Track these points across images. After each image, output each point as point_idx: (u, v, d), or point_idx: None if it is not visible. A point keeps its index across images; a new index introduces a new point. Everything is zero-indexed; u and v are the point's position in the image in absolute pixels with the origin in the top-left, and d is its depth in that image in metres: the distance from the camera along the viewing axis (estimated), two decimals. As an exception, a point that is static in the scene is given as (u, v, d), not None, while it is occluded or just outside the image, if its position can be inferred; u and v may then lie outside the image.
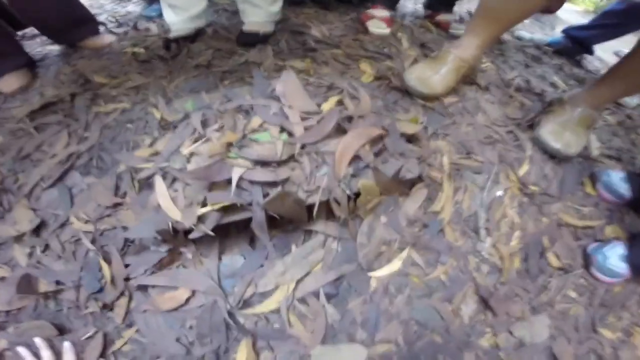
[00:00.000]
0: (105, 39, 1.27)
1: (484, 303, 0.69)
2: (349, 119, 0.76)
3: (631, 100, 1.33)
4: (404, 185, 0.75)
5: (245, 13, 1.18)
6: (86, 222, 0.72)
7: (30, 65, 1.18)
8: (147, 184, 0.72)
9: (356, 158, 0.69)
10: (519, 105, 1.11)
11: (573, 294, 0.76)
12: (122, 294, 0.64)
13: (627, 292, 0.78)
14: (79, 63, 1.15)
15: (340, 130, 0.72)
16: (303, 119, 0.72)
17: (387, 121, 0.78)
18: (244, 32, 1.18)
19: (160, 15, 1.43)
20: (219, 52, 1.15)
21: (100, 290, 0.64)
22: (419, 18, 1.54)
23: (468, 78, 1.11)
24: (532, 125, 1.02)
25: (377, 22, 1.32)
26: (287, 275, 0.66)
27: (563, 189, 0.91)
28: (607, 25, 1.49)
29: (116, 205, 0.73)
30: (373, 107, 0.87)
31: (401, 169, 0.70)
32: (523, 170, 0.91)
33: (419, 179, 0.78)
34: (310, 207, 0.65)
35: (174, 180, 0.65)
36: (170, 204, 0.60)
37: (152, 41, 1.24)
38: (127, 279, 0.66)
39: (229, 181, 0.61)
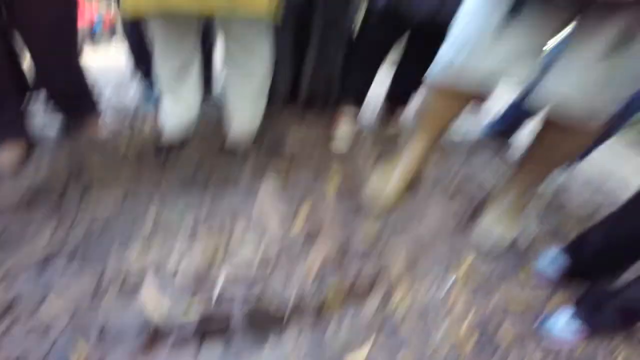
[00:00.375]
0: (103, 129, 1.39)
1: None
2: (317, 229, 0.90)
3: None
4: (362, 289, 0.85)
5: (231, 122, 1.32)
6: (63, 310, 0.73)
7: (26, 141, 1.22)
8: (131, 288, 0.76)
9: (323, 265, 0.82)
10: (461, 200, 1.29)
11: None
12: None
13: (593, 346, 0.87)
14: (73, 154, 1.23)
15: (309, 238, 0.86)
16: (280, 226, 0.86)
17: (348, 229, 0.94)
18: (228, 141, 1.35)
19: (156, 100, 1.59)
20: (204, 162, 1.27)
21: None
22: (379, 116, 1.83)
23: (417, 182, 1.30)
24: (473, 217, 1.18)
25: (344, 129, 1.58)
26: None
27: (507, 271, 1.03)
28: (515, 116, 1.81)
29: (94, 297, 0.75)
30: (337, 215, 1.02)
31: (358, 273, 0.84)
32: (467, 262, 1.03)
33: (376, 279, 0.89)
34: (283, 317, 0.74)
35: (163, 286, 0.72)
36: (156, 306, 0.66)
37: (146, 140, 1.37)
38: None
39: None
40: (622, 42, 0.78)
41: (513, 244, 1.14)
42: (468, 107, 1.09)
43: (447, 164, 1.58)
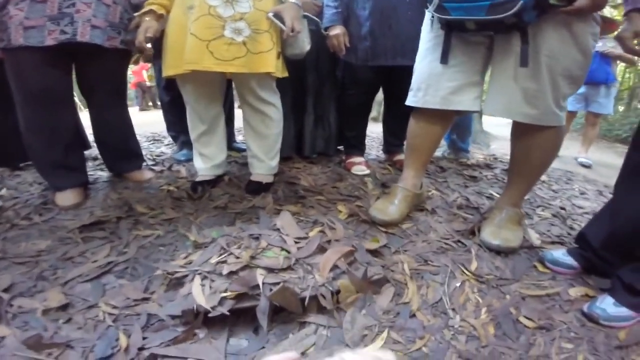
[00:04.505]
0: (147, 174, 1.60)
1: None
2: (328, 242, 1.00)
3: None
4: (374, 285, 0.91)
5: (253, 166, 1.51)
6: (113, 307, 0.81)
7: (86, 185, 1.43)
8: (176, 284, 0.86)
9: (335, 267, 0.89)
10: (462, 220, 1.34)
11: (569, 345, 0.79)
12: None
13: (636, 330, 0.83)
14: (124, 192, 1.42)
15: (322, 249, 0.96)
16: (296, 242, 0.97)
17: (355, 242, 1.03)
18: (251, 182, 1.48)
19: (187, 160, 1.84)
20: (233, 197, 1.42)
21: (110, 356, 0.68)
22: (380, 162, 2.01)
23: (418, 204, 1.38)
24: (474, 233, 1.21)
25: (359, 167, 1.77)
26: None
27: (517, 272, 1.03)
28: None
29: (144, 299, 0.84)
30: (346, 234, 1.10)
31: (367, 270, 0.90)
32: (474, 266, 1.05)
33: (386, 280, 0.94)
34: (303, 301, 0.80)
35: (205, 278, 0.81)
36: (199, 291, 0.76)
37: (182, 183, 1.57)
38: (140, 349, 0.70)
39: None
40: (524, 63, 0.96)
41: (518, 250, 1.13)
42: (444, 131, 1.27)
43: (448, 190, 1.65)
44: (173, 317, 0.78)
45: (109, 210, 1.26)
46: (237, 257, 0.87)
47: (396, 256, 1.08)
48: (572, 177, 2.33)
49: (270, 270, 0.85)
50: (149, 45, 1.33)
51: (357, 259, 0.95)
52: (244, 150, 2.00)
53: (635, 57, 3.11)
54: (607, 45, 2.80)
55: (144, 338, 0.74)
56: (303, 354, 0.75)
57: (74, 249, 1.04)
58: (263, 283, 0.81)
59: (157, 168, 1.75)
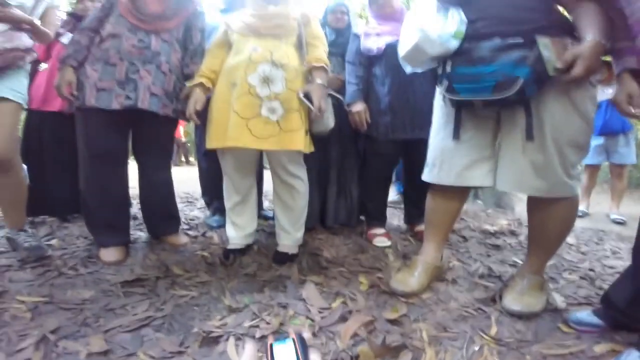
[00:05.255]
0: (183, 239, 1.68)
1: None
2: (350, 312, 1.05)
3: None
4: (392, 351, 0.92)
5: (280, 237, 1.58)
6: (151, 357, 0.85)
7: (128, 244, 1.52)
8: (211, 342, 0.91)
9: (355, 335, 0.94)
10: (483, 288, 1.32)
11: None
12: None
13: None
14: (162, 253, 1.54)
15: (344, 319, 1.01)
16: (320, 312, 1.04)
17: (375, 312, 1.06)
18: (278, 252, 1.56)
19: (219, 226, 1.94)
20: (261, 265, 1.49)
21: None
22: (402, 233, 2.03)
23: (438, 276, 1.37)
24: (495, 300, 1.19)
25: (380, 239, 1.80)
26: None
27: (539, 335, 0.99)
28: None
29: (180, 352, 0.88)
30: (367, 305, 1.14)
31: (385, 338, 0.92)
32: (493, 331, 1.03)
33: (404, 346, 0.94)
34: None
35: (239, 339, 0.88)
36: (233, 350, 0.81)
37: (215, 249, 1.67)
38: None
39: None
40: (530, 137, 1.00)
41: (541, 313, 1.11)
42: (461, 205, 1.31)
43: (470, 260, 1.63)
44: None
45: (148, 270, 1.37)
46: (268, 323, 0.95)
47: (415, 324, 1.08)
48: (604, 237, 2.23)
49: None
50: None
51: (376, 328, 0.98)
52: (271, 218, 2.09)
53: None
54: None
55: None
56: None
57: (116, 301, 1.13)
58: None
59: (191, 233, 1.88)
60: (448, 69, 1.06)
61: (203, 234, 1.88)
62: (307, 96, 1.37)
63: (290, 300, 1.11)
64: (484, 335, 1.02)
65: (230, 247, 1.60)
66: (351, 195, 2.01)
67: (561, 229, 1.14)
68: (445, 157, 1.19)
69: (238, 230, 1.60)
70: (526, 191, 1.08)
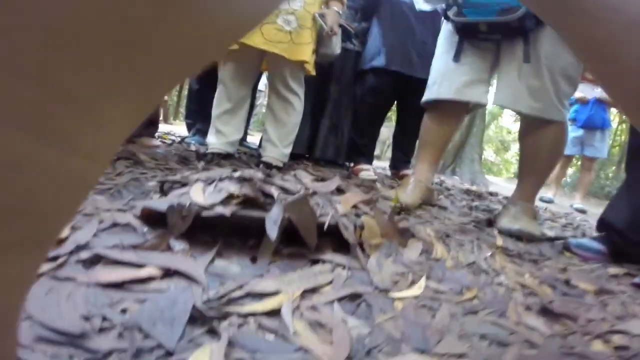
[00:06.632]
0: (157, 141, 1.50)
1: (550, 313, 0.52)
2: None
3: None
4: (400, 234, 0.72)
5: (265, 149, 1.45)
6: (84, 215, 0.60)
7: None
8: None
9: (355, 207, 0.72)
10: (475, 216, 1.24)
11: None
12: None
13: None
14: (129, 146, 1.26)
15: (341, 192, 0.81)
16: (313, 182, 0.82)
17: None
18: (261, 162, 1.43)
19: (199, 144, 1.75)
20: (241, 168, 1.33)
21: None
22: (387, 177, 1.92)
23: (429, 199, 1.28)
24: (491, 224, 1.11)
25: (367, 172, 1.72)
26: (293, 285, 0.49)
27: (545, 255, 0.88)
28: None
29: (119, 210, 0.62)
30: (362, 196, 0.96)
31: (392, 215, 0.74)
32: (500, 242, 0.91)
33: (412, 234, 0.76)
34: (321, 227, 0.60)
35: (210, 183, 0.62)
36: (199, 190, 0.60)
37: (192, 154, 1.47)
38: (82, 247, 0.46)
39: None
40: (527, 59, 1.06)
41: (540, 238, 1.01)
42: (455, 129, 1.29)
43: (456, 201, 1.58)
44: (151, 220, 0.56)
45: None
46: (251, 176, 0.71)
47: (417, 226, 0.90)
48: (568, 216, 2.25)
49: (286, 191, 0.65)
50: None
51: (377, 207, 0.80)
52: (254, 149, 1.97)
53: None
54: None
55: (94, 236, 0.50)
56: (315, 290, 0.52)
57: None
58: (278, 197, 0.62)
59: (167, 142, 1.64)
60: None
61: (180, 142, 1.67)
62: (323, 18, 1.39)
63: (276, 181, 0.88)
64: (491, 245, 0.87)
65: (208, 151, 1.41)
66: (342, 133, 1.92)
67: (552, 153, 1.14)
68: (445, 76, 1.20)
69: (220, 137, 1.41)
70: (522, 108, 1.08)
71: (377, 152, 3.82)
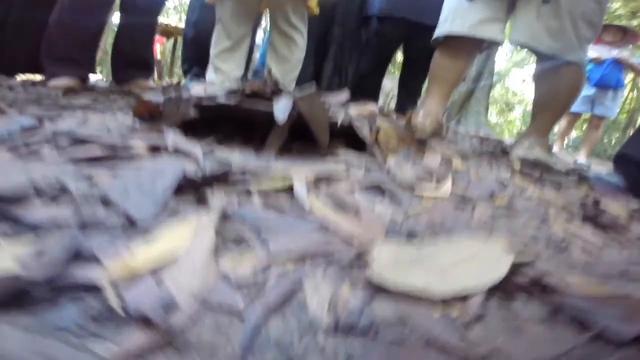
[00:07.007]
0: (151, 83, 1.43)
1: (592, 220, 0.48)
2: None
3: None
4: (417, 143, 0.67)
5: None
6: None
7: (85, 81, 1.27)
8: None
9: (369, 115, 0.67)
10: (486, 149, 1.17)
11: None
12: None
13: None
14: (122, 85, 1.24)
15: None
16: None
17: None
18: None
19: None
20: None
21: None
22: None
23: (438, 132, 1.19)
24: (505, 152, 1.07)
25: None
26: (305, 170, 0.44)
27: (564, 185, 0.82)
28: None
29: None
30: None
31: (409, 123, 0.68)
32: (517, 166, 0.86)
33: (428, 146, 0.72)
34: (333, 126, 0.54)
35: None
36: (199, 87, 0.54)
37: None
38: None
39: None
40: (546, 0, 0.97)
41: (555, 168, 0.94)
42: (467, 66, 1.21)
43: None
44: (146, 116, 0.51)
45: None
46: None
47: (433, 143, 0.84)
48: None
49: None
50: None
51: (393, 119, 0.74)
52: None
53: None
54: (623, 52, 2.78)
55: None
56: (331, 180, 0.45)
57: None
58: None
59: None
60: None
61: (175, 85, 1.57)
62: None
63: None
64: (509, 169, 0.82)
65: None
66: (346, 76, 1.84)
67: (569, 93, 1.09)
68: (458, 13, 1.12)
69: (220, 75, 1.31)
70: (540, 46, 1.02)
71: (380, 103, 3.71)
